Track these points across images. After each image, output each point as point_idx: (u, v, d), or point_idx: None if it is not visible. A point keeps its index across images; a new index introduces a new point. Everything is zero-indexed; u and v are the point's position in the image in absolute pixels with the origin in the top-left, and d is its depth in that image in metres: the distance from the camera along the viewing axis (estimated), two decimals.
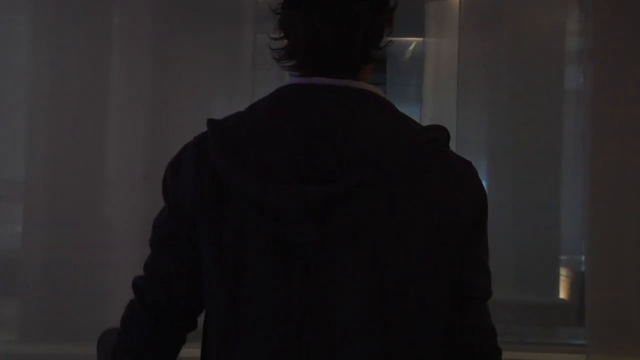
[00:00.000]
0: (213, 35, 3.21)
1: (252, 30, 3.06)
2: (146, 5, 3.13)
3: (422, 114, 3.46)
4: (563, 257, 3.65)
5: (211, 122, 1.11)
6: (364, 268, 0.98)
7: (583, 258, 3.18)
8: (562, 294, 3.73)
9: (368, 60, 1.12)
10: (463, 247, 1.05)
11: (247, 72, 3.08)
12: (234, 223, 1.03)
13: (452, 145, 1.12)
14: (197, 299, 1.11)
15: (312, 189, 0.98)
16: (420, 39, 3.71)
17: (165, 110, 3.28)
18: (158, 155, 3.48)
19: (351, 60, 1.10)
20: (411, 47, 4.27)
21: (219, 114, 3.48)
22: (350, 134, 1.02)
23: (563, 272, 3.73)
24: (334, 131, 1.03)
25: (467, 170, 1.09)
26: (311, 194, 0.97)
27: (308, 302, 1.00)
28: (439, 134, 1.06)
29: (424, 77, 3.47)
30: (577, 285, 3.61)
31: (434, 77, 3.41)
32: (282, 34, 1.14)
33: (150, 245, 1.17)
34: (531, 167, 3.32)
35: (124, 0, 3.21)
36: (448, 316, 1.06)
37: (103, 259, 3.18)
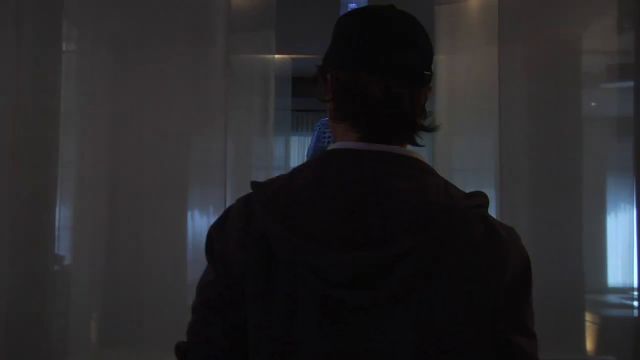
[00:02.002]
0: (180, 57, 2.71)
1: (225, 50, 2.55)
2: (101, 27, 2.65)
3: (436, 146, 2.89)
4: (588, 297, 3.13)
5: (255, 185, 1.12)
6: (411, 332, 1.02)
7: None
8: (590, 346, 3.23)
9: (420, 127, 1.15)
10: (508, 310, 1.08)
11: (219, 98, 2.57)
12: (282, 285, 1.04)
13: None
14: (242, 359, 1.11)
15: (361, 255, 1.01)
16: None
17: (128, 143, 2.81)
18: (123, 195, 3.14)
19: (412, 127, 1.13)
20: None
21: (191, 147, 2.99)
22: (395, 201, 1.06)
23: (589, 317, 3.25)
24: (380, 197, 1.06)
25: (509, 235, 1.11)
26: (360, 260, 1.01)
27: None
28: (481, 199, 1.10)
29: (434, 102, 2.87)
30: (611, 335, 3.14)
31: (447, 101, 2.84)
32: (343, 95, 1.13)
33: (194, 309, 1.13)
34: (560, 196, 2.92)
35: (77, 22, 2.73)
36: None
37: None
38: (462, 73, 2.76)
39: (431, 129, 1.15)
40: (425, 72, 1.13)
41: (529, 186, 2.90)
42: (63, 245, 2.97)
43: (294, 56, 3.78)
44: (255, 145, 3.05)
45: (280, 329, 1.03)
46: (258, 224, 1.05)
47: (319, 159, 1.12)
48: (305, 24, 3.77)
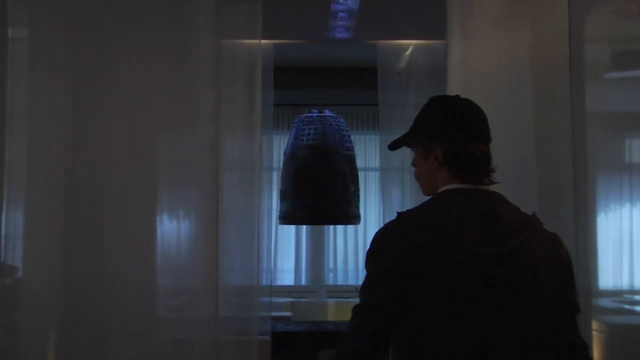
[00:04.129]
0: (156, 39, 2.32)
1: (212, 31, 2.14)
2: (56, 7, 2.24)
3: None
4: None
5: (406, 213, 1.78)
6: (528, 295, 1.70)
7: None
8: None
9: (493, 171, 1.87)
10: (568, 278, 1.80)
11: (204, 89, 2.18)
12: (443, 274, 1.66)
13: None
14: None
15: (493, 250, 1.69)
16: (417, 41, 2.86)
17: (89, 140, 2.44)
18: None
19: (490, 171, 1.87)
20: (407, 53, 3.33)
21: (162, 144, 2.62)
22: (500, 218, 1.75)
23: (596, 326, 3.02)
24: (491, 217, 1.74)
25: (557, 236, 1.84)
26: (493, 253, 1.69)
27: (495, 319, 1.67)
28: (536, 216, 1.84)
29: (446, 91, 2.51)
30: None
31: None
32: (454, 159, 1.81)
33: (361, 306, 1.74)
34: None
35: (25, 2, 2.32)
36: (568, 324, 1.80)
37: None
38: (475, 62, 2.43)
39: (494, 171, 1.85)
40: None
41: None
42: (12, 255, 2.60)
43: (276, 41, 3.33)
44: (239, 143, 2.68)
45: (445, 299, 1.65)
46: (417, 237, 1.68)
47: (441, 196, 1.80)
48: (288, 3, 3.34)
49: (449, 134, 1.79)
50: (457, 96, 1.88)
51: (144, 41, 2.29)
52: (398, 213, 1.75)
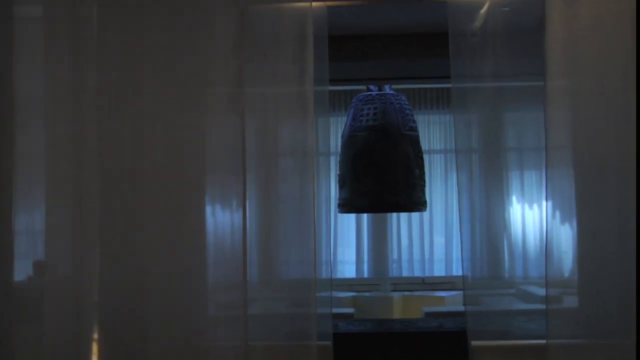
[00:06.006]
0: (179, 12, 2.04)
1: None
2: None
3: (548, 121, 2.19)
4: None
5: None
6: None
7: None
8: None
9: None
10: None
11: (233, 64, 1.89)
12: None
13: None
14: None
15: None
16: None
17: (119, 127, 2.18)
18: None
19: None
20: (482, 11, 2.88)
21: (205, 128, 2.35)
22: None
23: None
24: None
25: None
26: None
27: None
28: None
29: (546, 60, 2.12)
30: None
31: (563, 62, 2.09)
32: None
33: None
34: None
35: None
36: None
37: None
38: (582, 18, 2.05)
39: None
40: None
41: None
42: (42, 251, 2.39)
43: (329, 3, 2.85)
44: (290, 126, 2.39)
45: None
46: None
47: None
48: None
49: None
50: None
51: (163, 14, 2.02)
52: None
